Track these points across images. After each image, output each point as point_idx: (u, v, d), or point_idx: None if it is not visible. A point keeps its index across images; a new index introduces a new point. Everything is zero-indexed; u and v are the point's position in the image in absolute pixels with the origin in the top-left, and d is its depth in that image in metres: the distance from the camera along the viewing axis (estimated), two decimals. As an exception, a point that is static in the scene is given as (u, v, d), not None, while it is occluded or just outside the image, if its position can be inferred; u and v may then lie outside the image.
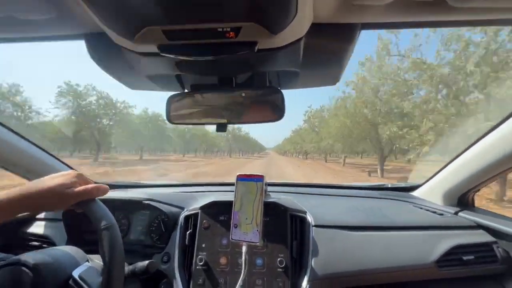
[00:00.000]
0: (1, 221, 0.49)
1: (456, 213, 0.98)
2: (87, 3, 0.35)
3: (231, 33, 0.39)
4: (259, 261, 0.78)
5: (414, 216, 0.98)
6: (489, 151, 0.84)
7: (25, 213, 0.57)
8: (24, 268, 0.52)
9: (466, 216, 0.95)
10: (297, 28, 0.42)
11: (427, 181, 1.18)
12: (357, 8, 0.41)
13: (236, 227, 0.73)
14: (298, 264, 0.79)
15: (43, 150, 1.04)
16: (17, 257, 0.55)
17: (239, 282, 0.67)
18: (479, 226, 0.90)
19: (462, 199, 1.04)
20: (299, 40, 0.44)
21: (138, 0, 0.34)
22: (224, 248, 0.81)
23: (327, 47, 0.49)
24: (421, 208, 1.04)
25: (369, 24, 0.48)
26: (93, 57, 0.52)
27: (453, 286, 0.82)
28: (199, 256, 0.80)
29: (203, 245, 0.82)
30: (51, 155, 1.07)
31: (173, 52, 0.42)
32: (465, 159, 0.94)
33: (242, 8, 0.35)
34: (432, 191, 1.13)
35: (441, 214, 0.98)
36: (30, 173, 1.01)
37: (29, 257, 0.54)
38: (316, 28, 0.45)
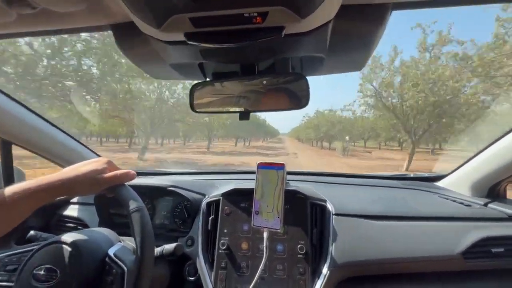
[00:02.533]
0: (43, 203, 0.54)
1: (485, 204, 0.94)
2: None
3: (258, 18, 0.39)
4: (279, 247, 0.79)
5: (440, 206, 0.95)
6: None
7: (62, 197, 0.61)
8: (65, 246, 0.57)
9: (497, 207, 0.91)
10: (326, 10, 0.40)
11: (454, 171, 1.13)
12: None
13: (257, 214, 0.75)
14: (318, 251, 0.80)
15: (73, 138, 1.10)
16: (58, 236, 0.60)
17: (261, 266, 0.69)
18: (510, 218, 0.86)
19: (493, 190, 0.99)
20: (327, 23, 0.43)
21: None
22: (245, 233, 0.83)
23: (356, 30, 0.47)
24: (447, 199, 1.01)
25: (400, 4, 0.45)
26: (120, 47, 0.53)
27: (479, 278, 0.79)
28: (222, 241, 0.83)
29: (225, 230, 0.84)
30: (80, 143, 1.14)
31: (200, 39, 0.43)
32: (498, 148, 0.89)
33: None
34: (459, 181, 1.08)
35: (469, 205, 0.94)
36: (61, 159, 1.09)
37: (70, 236, 0.59)
38: (346, 10, 0.43)
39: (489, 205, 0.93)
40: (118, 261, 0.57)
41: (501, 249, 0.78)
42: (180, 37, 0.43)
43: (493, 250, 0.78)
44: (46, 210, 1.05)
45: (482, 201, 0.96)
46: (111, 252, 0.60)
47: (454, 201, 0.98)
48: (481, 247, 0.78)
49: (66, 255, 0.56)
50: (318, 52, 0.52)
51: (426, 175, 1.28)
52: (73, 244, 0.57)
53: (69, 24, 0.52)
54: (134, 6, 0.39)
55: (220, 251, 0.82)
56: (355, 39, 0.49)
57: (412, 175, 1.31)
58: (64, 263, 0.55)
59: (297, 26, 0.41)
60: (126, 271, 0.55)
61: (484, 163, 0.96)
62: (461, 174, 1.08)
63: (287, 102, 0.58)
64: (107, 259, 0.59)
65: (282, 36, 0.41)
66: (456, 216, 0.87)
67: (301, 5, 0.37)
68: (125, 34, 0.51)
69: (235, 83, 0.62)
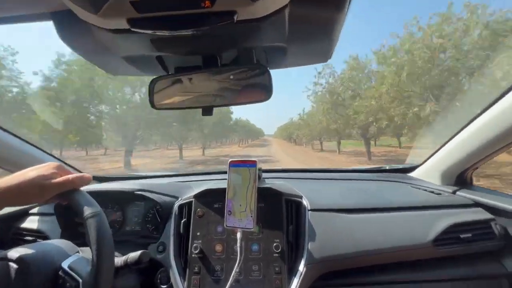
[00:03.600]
0: None
1: (454, 192, 0.97)
2: None
3: (206, 1, 0.36)
4: (255, 247, 0.77)
5: (412, 196, 0.97)
6: (486, 129, 0.82)
7: (7, 207, 0.55)
8: (11, 263, 0.51)
9: (464, 194, 0.94)
10: None
11: (425, 161, 1.16)
12: None
13: (230, 214, 0.72)
14: (294, 248, 0.78)
15: (29, 143, 1.01)
16: (3, 252, 0.53)
17: (235, 268, 0.66)
18: (477, 204, 0.89)
19: (460, 178, 1.02)
20: (282, 8, 0.41)
21: None
22: (219, 235, 0.80)
23: (314, 17, 0.45)
24: (419, 189, 1.03)
25: None
26: (62, 37, 0.48)
27: (450, 264, 0.82)
28: (194, 244, 0.79)
29: (198, 233, 0.81)
30: (37, 147, 1.04)
31: (145, 26, 0.39)
32: (462, 137, 0.92)
33: None
34: (430, 171, 1.12)
35: (439, 194, 0.97)
36: (17, 167, 0.99)
37: (16, 251, 0.53)
38: None
39: (457, 192, 0.96)
40: (73, 273, 0.52)
41: (469, 234, 0.81)
42: (124, 24, 0.39)
43: (462, 236, 0.80)
44: (0, 223, 0.96)
45: (451, 189, 0.99)
46: (65, 264, 0.54)
47: (426, 190, 1.01)
48: (450, 233, 0.80)
49: (12, 272, 0.50)
50: (279, 41, 0.50)
51: (401, 166, 1.31)
52: (19, 260, 0.51)
53: (3, 12, 0.46)
54: None
55: (193, 255, 0.78)
56: (315, 27, 0.47)
57: (387, 167, 1.34)
58: (10, 282, 0.49)
59: (250, 11, 0.39)
60: (81, 284, 0.50)
61: (451, 152, 0.99)
62: (431, 163, 1.12)
63: (251, 96, 0.56)
64: (60, 272, 0.53)
65: (235, 21, 0.38)
66: (427, 204, 0.89)
67: None
68: (65, 22, 0.46)
69: (197, 77, 0.59)
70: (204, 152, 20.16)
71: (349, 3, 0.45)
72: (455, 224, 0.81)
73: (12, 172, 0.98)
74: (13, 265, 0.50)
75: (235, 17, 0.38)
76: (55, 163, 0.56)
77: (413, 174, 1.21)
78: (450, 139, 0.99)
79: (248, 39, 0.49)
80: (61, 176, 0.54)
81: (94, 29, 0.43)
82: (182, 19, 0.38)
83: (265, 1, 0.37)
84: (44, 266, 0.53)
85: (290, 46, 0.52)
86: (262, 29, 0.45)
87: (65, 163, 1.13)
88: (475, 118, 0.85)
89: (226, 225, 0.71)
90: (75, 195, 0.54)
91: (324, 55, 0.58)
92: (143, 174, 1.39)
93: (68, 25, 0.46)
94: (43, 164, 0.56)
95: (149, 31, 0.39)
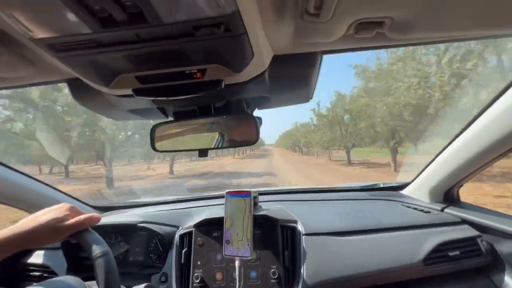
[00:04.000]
0: (3, 257, 0.52)
1: (442, 210, 1.02)
2: (61, 62, 0.38)
3: (198, 74, 0.43)
4: (253, 274, 0.80)
5: (402, 216, 1.01)
6: (468, 146, 0.86)
7: (23, 249, 0.60)
8: None
9: (452, 212, 0.98)
10: (258, 64, 0.45)
11: (415, 178, 1.21)
12: (312, 42, 0.45)
13: (228, 243, 0.76)
14: (291, 273, 0.81)
15: (41, 182, 1.07)
16: None
17: None
18: (464, 222, 0.93)
19: (447, 195, 1.07)
20: (263, 73, 0.48)
21: (107, 57, 0.37)
22: (219, 263, 0.84)
23: (291, 74, 0.53)
24: (409, 207, 1.07)
25: (329, 51, 0.52)
26: (76, 99, 0.56)
27: (440, 282, 0.85)
28: (195, 274, 0.82)
29: (199, 262, 0.84)
30: (48, 185, 1.10)
31: (147, 94, 0.46)
32: (447, 154, 0.96)
33: (202, 56, 0.39)
34: (420, 188, 1.16)
35: (428, 212, 1.01)
36: (30, 206, 1.04)
37: None
38: (278, 60, 0.49)
39: (445, 210, 1.01)
40: None
41: (457, 252, 0.84)
42: (129, 92, 0.47)
43: (450, 254, 0.84)
44: (8, 259, 0.99)
45: (439, 206, 1.04)
46: None
47: (415, 209, 1.05)
48: (439, 252, 0.84)
49: None
50: (263, 93, 0.58)
51: (393, 184, 1.36)
52: None
53: (20, 82, 0.54)
54: (80, 71, 0.42)
55: (194, 284, 0.81)
56: (292, 80, 0.55)
57: (381, 185, 1.39)
58: None
59: (235, 78, 0.46)
60: None
61: (437, 170, 1.04)
62: (420, 181, 1.17)
63: (240, 139, 0.63)
64: None
65: (222, 87, 0.46)
66: (416, 224, 0.93)
67: (233, 63, 0.42)
68: (79, 88, 0.53)
69: (194, 122, 0.66)
70: (173, 169, 14.10)
71: (321, 60, 0.53)
72: (443, 243, 0.85)
73: (27, 211, 1.04)
74: None
75: (222, 84, 0.45)
76: (67, 205, 0.62)
77: (404, 191, 1.26)
78: (436, 156, 1.04)
79: (236, 94, 0.57)
80: (72, 217, 0.59)
81: (104, 94, 0.51)
82: (178, 88, 0.46)
83: (247, 70, 0.45)
84: None
85: (273, 95, 0.60)
86: (247, 87, 0.52)
87: (76, 199, 1.20)
88: (458, 135, 0.90)
89: (224, 254, 0.75)
90: (85, 235, 0.59)
91: (304, 98, 0.65)
92: (143, 201, 1.43)
93: (81, 90, 0.53)
94: (56, 206, 0.61)
95: (151, 98, 0.47)
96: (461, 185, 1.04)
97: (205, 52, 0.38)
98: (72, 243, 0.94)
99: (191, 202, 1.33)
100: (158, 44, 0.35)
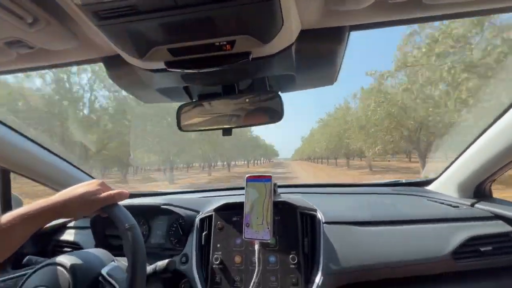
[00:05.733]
0: (40, 227, 0.56)
1: (472, 205, 0.96)
2: (103, 31, 0.41)
3: (227, 45, 0.44)
4: (272, 259, 0.81)
5: (428, 209, 0.97)
6: (501, 137, 0.82)
7: (59, 219, 0.64)
8: (60, 267, 0.59)
9: (483, 207, 0.93)
10: (286, 36, 0.46)
11: (441, 174, 1.15)
12: (342, 13, 0.45)
13: (248, 227, 0.77)
14: (310, 260, 0.81)
15: (69, 162, 1.14)
16: (53, 258, 0.62)
17: (254, 279, 0.70)
18: (497, 217, 0.88)
19: (478, 190, 1.01)
20: (289, 46, 0.49)
21: (145, 26, 0.39)
22: (238, 247, 0.85)
23: (318, 51, 0.53)
24: (436, 202, 1.03)
25: (357, 25, 0.51)
26: (111, 76, 0.59)
27: (472, 278, 0.80)
28: (215, 256, 0.84)
29: (218, 245, 0.86)
30: (74, 166, 1.17)
31: (179, 66, 0.48)
32: (477, 148, 0.92)
33: (234, 24, 0.40)
34: (447, 184, 1.11)
35: (457, 207, 0.96)
36: (58, 185, 1.11)
37: (64, 258, 0.61)
38: (305, 34, 0.49)
39: (476, 205, 0.95)
40: (111, 280, 0.59)
41: (489, 248, 0.79)
42: (161, 65, 0.49)
43: (482, 249, 0.79)
44: (43, 235, 1.06)
45: (469, 201, 0.98)
46: (104, 271, 0.61)
47: (442, 203, 1.00)
48: (470, 246, 0.80)
49: (61, 275, 0.58)
50: (288, 70, 0.58)
51: (417, 180, 1.31)
52: (67, 265, 0.59)
53: (63, 59, 0.58)
54: (119, 42, 0.44)
55: (214, 266, 0.83)
56: (319, 58, 0.55)
57: (404, 181, 1.34)
58: (59, 284, 0.57)
59: (262, 50, 0.47)
60: None
61: (466, 164, 0.99)
62: (447, 176, 1.11)
63: (264, 118, 0.63)
64: (100, 278, 0.60)
65: (250, 59, 0.47)
66: (444, 217, 0.89)
67: (262, 33, 0.42)
68: (114, 65, 0.57)
69: (218, 103, 0.67)
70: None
71: (348, 36, 0.52)
72: (474, 237, 0.81)
73: (58, 190, 1.11)
74: (62, 269, 0.59)
75: (250, 56, 0.46)
76: (98, 180, 0.66)
77: (429, 187, 1.21)
78: (465, 150, 0.99)
79: (261, 71, 0.58)
80: (104, 192, 0.63)
81: (136, 69, 0.53)
82: (208, 60, 0.47)
83: (275, 42, 0.45)
84: (87, 271, 0.61)
85: (298, 74, 0.60)
86: (273, 62, 0.53)
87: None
88: (488, 127, 0.86)
89: (244, 237, 0.76)
90: (115, 209, 0.62)
91: (329, 79, 0.65)
92: (165, 191, 1.48)
93: (116, 67, 0.57)
94: (89, 181, 0.65)
95: (182, 71, 0.49)
96: (494, 179, 0.98)
97: (237, 20, 0.39)
98: (99, 222, 1.00)
99: (212, 192, 1.36)
100: (194, 11, 0.36)
